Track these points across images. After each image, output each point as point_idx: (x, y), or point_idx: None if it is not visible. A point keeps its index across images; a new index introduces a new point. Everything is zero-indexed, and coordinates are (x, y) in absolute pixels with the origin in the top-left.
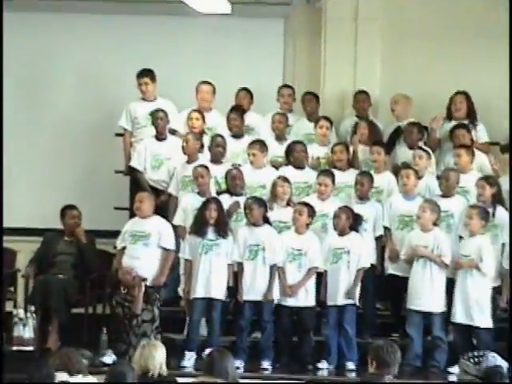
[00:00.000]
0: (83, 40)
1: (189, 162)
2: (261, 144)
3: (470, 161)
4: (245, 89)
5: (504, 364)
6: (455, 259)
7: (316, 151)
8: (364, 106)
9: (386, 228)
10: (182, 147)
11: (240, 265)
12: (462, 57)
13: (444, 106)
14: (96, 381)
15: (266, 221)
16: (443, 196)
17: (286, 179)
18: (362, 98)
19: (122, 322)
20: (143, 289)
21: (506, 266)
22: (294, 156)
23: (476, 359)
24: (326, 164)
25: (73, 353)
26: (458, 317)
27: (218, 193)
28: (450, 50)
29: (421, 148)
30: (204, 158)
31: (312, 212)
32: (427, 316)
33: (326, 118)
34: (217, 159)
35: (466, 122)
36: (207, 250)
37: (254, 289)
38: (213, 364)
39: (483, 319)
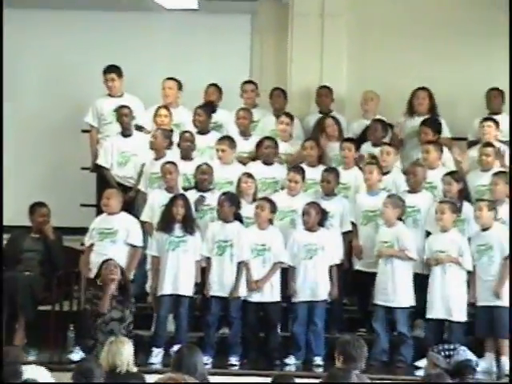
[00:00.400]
0: (49, 35)
1: (156, 158)
2: (230, 140)
3: (438, 157)
4: (214, 85)
5: (474, 358)
6: (434, 255)
7: (282, 149)
8: (326, 102)
9: (353, 224)
10: (151, 143)
11: (208, 260)
12: (427, 52)
13: (404, 99)
14: (45, 370)
15: (237, 218)
16: (410, 191)
17: (250, 175)
18: (324, 93)
19: (91, 318)
20: (113, 287)
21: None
22: (262, 152)
23: (447, 352)
24: (285, 160)
25: (17, 349)
26: (435, 312)
27: (185, 189)
28: (415, 45)
29: (388, 143)
30: (172, 155)
31: (274, 207)
32: (393, 311)
33: (287, 114)
34: (186, 155)
35: (427, 116)
36: (174, 247)
37: (221, 285)
38: (181, 360)
39: (460, 314)
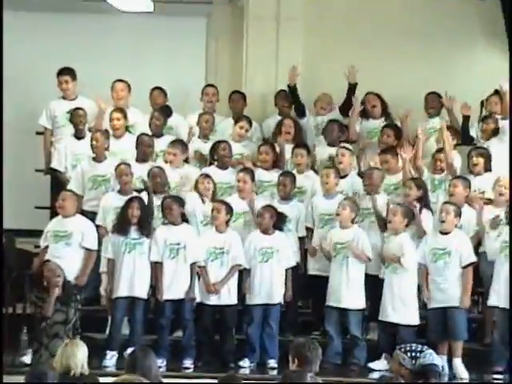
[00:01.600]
0: (4, 37)
1: (98, 160)
2: (182, 144)
3: (397, 163)
4: (158, 88)
5: (440, 362)
6: (380, 256)
7: (236, 150)
8: (285, 104)
9: (308, 228)
10: (92, 146)
11: (159, 264)
12: (382, 56)
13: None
14: None
15: (184, 219)
16: (368, 194)
17: (207, 175)
18: (283, 96)
19: (35, 322)
20: (57, 292)
21: (422, 260)
22: (218, 155)
23: (413, 354)
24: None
25: None
26: (386, 315)
27: (138, 191)
28: (370, 49)
29: (343, 146)
30: (110, 157)
31: (230, 209)
32: (346, 313)
33: (247, 119)
34: (144, 158)
35: (381, 119)
36: (130, 249)
37: (174, 287)
38: (135, 362)
39: (409, 317)
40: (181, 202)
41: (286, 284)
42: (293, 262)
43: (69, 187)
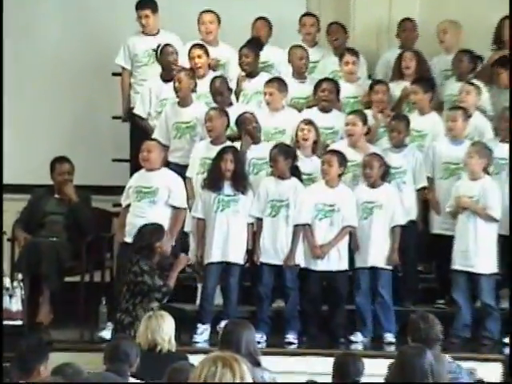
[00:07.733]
0: None
1: (182, 104)
2: (280, 82)
3: None
4: (262, 18)
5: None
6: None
7: (344, 90)
8: (411, 36)
9: (428, 178)
10: (174, 88)
11: (259, 222)
12: None
13: (492, 30)
14: None
15: (294, 173)
16: (501, 141)
17: (309, 122)
18: (409, 27)
19: (133, 295)
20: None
21: None
22: (318, 96)
23: None
24: (355, 104)
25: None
26: None
27: (232, 139)
28: None
29: (469, 82)
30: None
31: (343, 160)
32: (476, 278)
33: (352, 51)
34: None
35: None
36: (224, 207)
37: (274, 251)
38: (226, 337)
39: None
40: (290, 153)
41: (392, 245)
42: (402, 220)
43: (153, 136)
